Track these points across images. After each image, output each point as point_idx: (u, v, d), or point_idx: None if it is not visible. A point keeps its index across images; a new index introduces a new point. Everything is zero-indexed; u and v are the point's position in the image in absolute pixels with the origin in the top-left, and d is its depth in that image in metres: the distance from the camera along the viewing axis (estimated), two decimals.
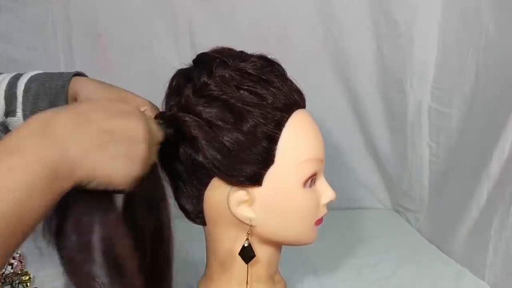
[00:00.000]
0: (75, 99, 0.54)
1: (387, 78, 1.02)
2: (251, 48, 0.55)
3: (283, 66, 0.55)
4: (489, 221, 0.75)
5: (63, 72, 0.56)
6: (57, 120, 0.36)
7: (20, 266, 0.81)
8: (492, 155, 0.75)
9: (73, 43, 0.99)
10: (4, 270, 0.79)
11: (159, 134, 0.45)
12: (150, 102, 0.57)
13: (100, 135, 0.38)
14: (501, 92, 0.75)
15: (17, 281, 0.77)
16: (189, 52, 0.98)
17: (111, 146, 0.38)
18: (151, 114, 0.54)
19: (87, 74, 0.99)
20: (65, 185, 0.36)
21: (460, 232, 0.84)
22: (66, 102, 0.54)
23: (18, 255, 0.83)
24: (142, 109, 0.53)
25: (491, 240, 0.74)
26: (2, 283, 0.77)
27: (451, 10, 0.88)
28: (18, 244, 0.34)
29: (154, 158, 0.45)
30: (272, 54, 0.55)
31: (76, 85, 0.54)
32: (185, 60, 0.56)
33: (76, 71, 0.57)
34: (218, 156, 0.50)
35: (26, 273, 0.79)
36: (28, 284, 0.77)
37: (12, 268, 0.80)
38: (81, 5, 0.97)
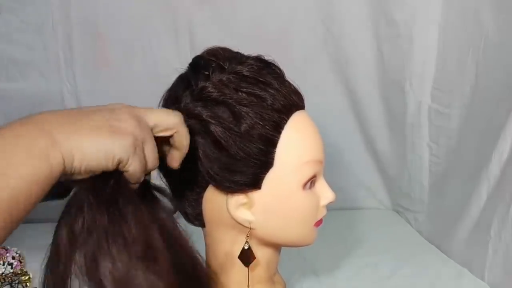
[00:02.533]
0: None
1: (387, 78, 1.02)
2: (251, 48, 0.55)
3: (283, 66, 0.55)
4: (489, 222, 0.75)
5: None
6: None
7: (19, 266, 0.81)
8: (492, 155, 0.75)
9: (73, 43, 0.99)
10: (3, 269, 0.79)
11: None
12: None
13: (79, 112, 0.39)
14: (501, 93, 0.75)
15: (16, 281, 0.77)
16: (189, 52, 0.98)
17: (91, 117, 0.39)
18: None
19: (87, 74, 1.01)
20: (53, 160, 0.36)
21: (460, 232, 0.84)
22: None
23: (18, 255, 0.83)
24: None
25: (491, 240, 0.75)
26: (2, 283, 0.77)
27: (451, 11, 0.88)
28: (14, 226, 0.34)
29: (152, 148, 0.43)
30: (272, 54, 0.55)
31: None
32: (185, 60, 0.56)
33: None
34: (215, 166, 0.49)
35: (26, 273, 0.79)
36: (27, 284, 0.77)
37: (11, 268, 0.80)
38: (81, 5, 0.97)
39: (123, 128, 0.40)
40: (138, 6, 0.98)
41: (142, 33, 0.99)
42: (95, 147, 0.38)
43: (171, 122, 0.45)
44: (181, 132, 0.46)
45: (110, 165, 0.39)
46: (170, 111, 0.46)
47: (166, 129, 0.45)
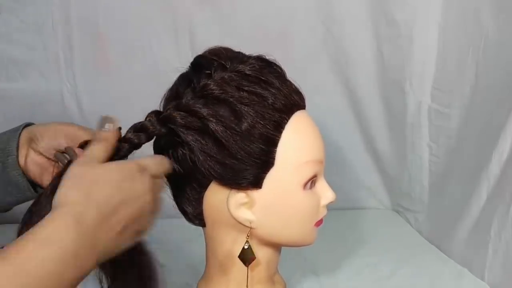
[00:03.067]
0: (30, 140, 0.54)
1: (387, 78, 1.02)
2: (251, 48, 0.55)
3: (283, 66, 0.55)
4: (489, 221, 0.75)
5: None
6: (87, 215, 0.39)
7: None
8: (492, 155, 0.75)
9: (73, 43, 0.99)
10: None
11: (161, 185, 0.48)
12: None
13: (122, 224, 0.42)
14: (501, 92, 0.75)
15: None
16: (189, 52, 0.98)
17: (129, 229, 0.43)
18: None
19: (87, 74, 1.01)
20: (90, 269, 0.40)
21: (460, 232, 0.84)
22: (18, 146, 0.53)
23: None
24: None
25: (491, 240, 0.75)
26: None
27: (451, 11, 0.88)
28: None
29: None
30: (273, 54, 0.55)
31: (29, 130, 0.55)
32: (185, 60, 0.56)
33: (27, 122, 0.57)
34: (216, 162, 0.49)
35: None
36: None
37: None
38: (81, 5, 0.97)
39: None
40: (138, 6, 0.98)
41: (142, 33, 0.99)
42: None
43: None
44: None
45: None
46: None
47: None
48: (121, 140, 0.49)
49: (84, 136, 0.52)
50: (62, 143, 0.53)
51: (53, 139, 0.53)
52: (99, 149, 0.45)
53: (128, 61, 1.00)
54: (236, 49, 0.55)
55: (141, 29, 0.99)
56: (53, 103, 1.01)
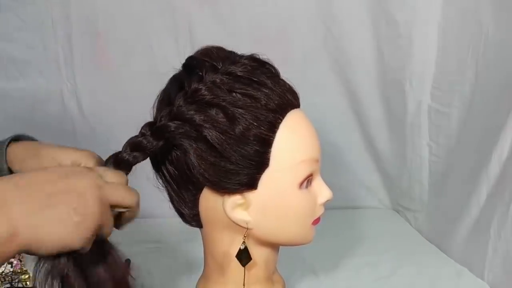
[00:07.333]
0: (18, 159, 0.52)
1: (387, 78, 1.02)
2: (250, 48, 0.54)
3: (283, 66, 0.54)
4: (489, 221, 0.75)
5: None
6: (4, 187, 0.37)
7: (19, 265, 0.81)
8: (491, 155, 0.75)
9: (73, 42, 0.99)
10: (3, 269, 0.79)
11: (112, 192, 0.44)
12: (88, 152, 0.52)
13: (46, 197, 0.38)
14: (500, 92, 0.75)
15: (16, 280, 0.77)
16: (189, 52, 0.97)
17: (58, 207, 0.38)
18: (91, 165, 0.49)
19: (87, 73, 1.01)
20: (7, 250, 0.37)
21: (459, 231, 0.84)
22: (6, 160, 0.51)
23: (17, 253, 0.83)
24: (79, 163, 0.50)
25: (491, 239, 0.75)
26: (2, 282, 0.77)
27: (451, 10, 0.88)
28: None
29: (109, 222, 0.44)
30: (272, 54, 0.54)
31: (14, 150, 0.52)
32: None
33: (15, 135, 0.54)
34: (210, 165, 0.49)
35: (26, 272, 0.79)
36: (27, 282, 0.77)
37: (11, 267, 0.80)
38: (81, 5, 0.97)
39: (88, 220, 0.40)
40: (138, 6, 0.98)
41: (142, 33, 0.99)
42: (56, 242, 0.39)
43: (130, 202, 0.44)
44: (134, 210, 0.46)
45: (64, 251, 0.40)
46: (130, 189, 0.45)
47: (123, 207, 0.45)
48: (117, 160, 0.48)
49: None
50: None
51: (40, 162, 0.50)
52: None
53: (128, 61, 1.00)
54: (236, 49, 0.55)
55: (141, 29, 0.99)
56: (53, 103, 1.01)
